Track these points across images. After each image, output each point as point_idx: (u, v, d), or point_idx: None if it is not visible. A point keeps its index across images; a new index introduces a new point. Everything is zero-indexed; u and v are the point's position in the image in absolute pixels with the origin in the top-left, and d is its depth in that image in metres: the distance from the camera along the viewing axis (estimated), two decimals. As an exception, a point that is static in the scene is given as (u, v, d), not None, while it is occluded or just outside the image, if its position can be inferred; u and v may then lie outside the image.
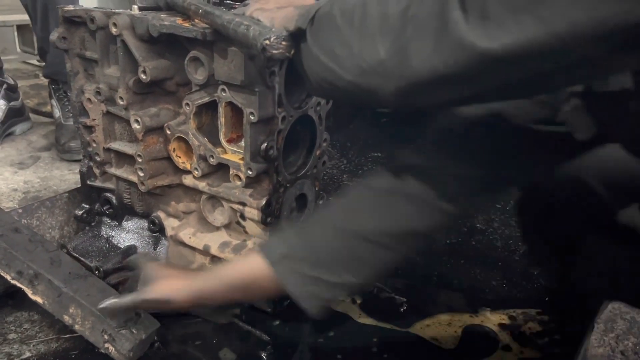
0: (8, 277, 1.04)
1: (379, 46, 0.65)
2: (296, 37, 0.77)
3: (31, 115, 1.83)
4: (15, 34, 2.57)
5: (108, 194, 1.24)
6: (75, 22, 1.11)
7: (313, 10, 0.76)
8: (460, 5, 0.56)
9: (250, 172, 1.02)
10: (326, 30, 0.72)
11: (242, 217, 1.10)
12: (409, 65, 0.62)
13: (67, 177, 1.42)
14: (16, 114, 1.69)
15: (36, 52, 2.16)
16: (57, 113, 1.64)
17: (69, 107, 1.58)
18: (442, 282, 1.34)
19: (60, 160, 1.55)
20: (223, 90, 0.99)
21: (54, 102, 1.67)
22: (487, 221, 1.64)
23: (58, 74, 1.64)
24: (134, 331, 1.00)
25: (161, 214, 1.21)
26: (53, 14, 1.55)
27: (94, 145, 1.19)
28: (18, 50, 2.61)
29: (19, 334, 1.10)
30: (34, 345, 1.07)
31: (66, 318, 1.02)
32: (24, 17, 1.96)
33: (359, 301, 1.24)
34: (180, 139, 1.09)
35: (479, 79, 0.60)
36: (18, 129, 1.70)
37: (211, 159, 1.06)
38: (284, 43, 0.77)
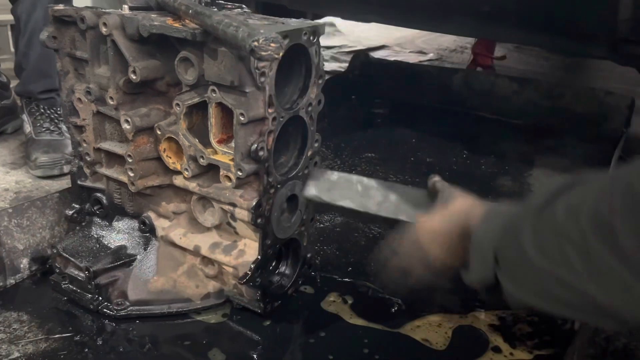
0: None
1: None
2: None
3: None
4: (9, 33, 2.56)
5: (98, 194, 1.23)
6: (66, 21, 1.11)
7: (489, 252, 0.68)
8: None
9: (240, 173, 1.02)
10: (529, 274, 0.62)
11: (233, 217, 1.10)
12: None
13: (58, 177, 1.42)
14: (7, 113, 1.68)
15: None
16: (28, 128, 1.55)
17: (41, 122, 1.54)
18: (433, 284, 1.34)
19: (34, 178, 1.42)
20: (213, 90, 0.99)
21: (24, 116, 1.59)
22: (480, 222, 1.64)
23: (31, 92, 1.59)
24: None
25: (152, 215, 1.20)
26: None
27: (85, 145, 1.19)
28: (12, 49, 2.59)
29: (8, 334, 1.10)
30: (22, 346, 1.07)
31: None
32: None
33: (350, 302, 1.24)
34: (170, 139, 1.09)
35: None
36: (10, 127, 1.69)
37: (201, 160, 1.06)
38: (272, 45, 0.77)
